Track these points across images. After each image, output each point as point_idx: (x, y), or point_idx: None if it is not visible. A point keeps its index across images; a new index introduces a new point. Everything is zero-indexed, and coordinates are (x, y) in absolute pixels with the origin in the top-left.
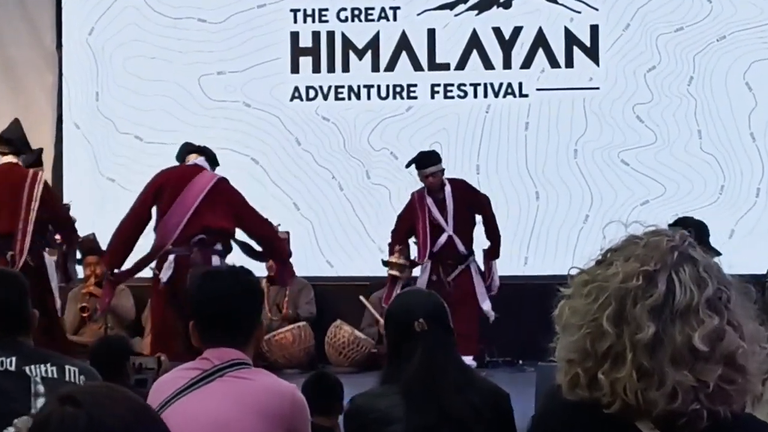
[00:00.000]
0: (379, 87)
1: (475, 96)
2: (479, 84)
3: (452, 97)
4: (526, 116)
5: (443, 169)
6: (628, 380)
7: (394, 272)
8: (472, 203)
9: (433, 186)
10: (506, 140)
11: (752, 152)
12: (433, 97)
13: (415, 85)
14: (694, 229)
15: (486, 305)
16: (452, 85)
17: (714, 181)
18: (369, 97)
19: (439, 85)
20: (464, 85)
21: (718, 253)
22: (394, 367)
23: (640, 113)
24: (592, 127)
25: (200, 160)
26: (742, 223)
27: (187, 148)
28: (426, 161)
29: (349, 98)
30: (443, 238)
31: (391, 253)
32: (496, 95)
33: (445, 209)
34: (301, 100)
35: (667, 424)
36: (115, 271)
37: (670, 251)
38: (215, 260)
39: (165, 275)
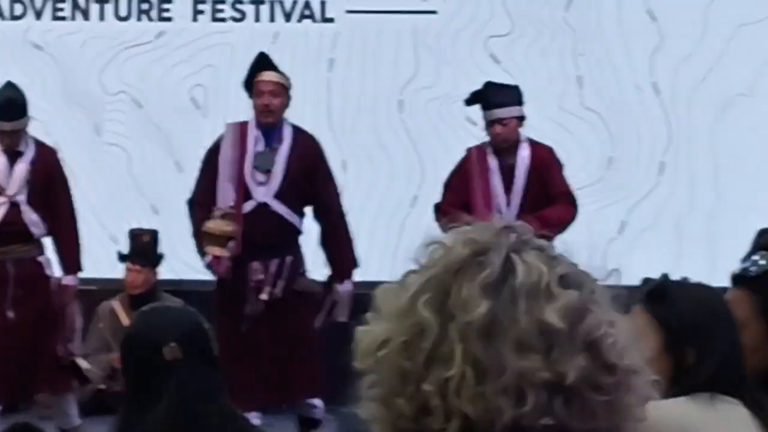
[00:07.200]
0: (117, 2)
1: (257, 19)
2: (263, 1)
3: (223, 20)
4: (331, 50)
5: (523, 117)
6: (460, 381)
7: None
8: (548, 181)
9: (502, 140)
10: (302, 85)
11: (653, 110)
12: (195, 18)
13: (170, 1)
14: None
15: None
16: (223, 1)
17: (599, 151)
18: (102, 17)
19: (204, 1)
20: (241, 2)
21: None
22: (134, 413)
23: (495, 50)
24: (425, 69)
25: None
26: (638, 212)
27: None
28: (496, 98)
29: (73, 17)
30: None
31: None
32: (288, 18)
33: (512, 182)
34: (2, 17)
35: None
36: None
37: (505, 233)
38: None
39: None
